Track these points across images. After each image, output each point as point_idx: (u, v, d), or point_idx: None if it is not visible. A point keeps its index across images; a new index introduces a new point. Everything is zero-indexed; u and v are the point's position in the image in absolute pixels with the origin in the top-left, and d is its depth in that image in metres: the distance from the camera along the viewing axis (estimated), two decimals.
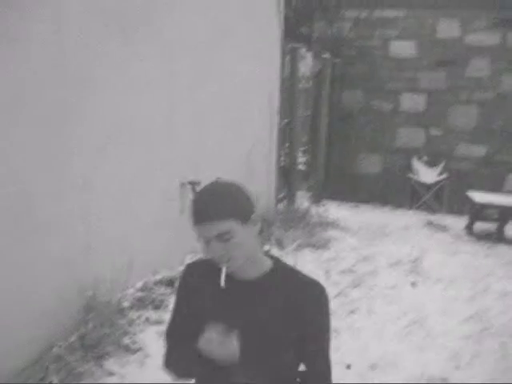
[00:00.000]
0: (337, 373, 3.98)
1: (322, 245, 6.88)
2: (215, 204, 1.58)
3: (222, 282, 1.62)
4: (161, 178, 4.97)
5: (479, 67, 9.37)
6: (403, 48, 9.76)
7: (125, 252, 4.34)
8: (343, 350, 4.39)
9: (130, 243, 4.48)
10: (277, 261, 1.80)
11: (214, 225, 1.57)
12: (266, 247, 5.77)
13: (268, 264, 1.76)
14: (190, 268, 1.86)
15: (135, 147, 4.56)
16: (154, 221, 4.92)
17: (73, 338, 3.76)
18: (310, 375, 1.81)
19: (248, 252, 1.65)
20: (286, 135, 8.19)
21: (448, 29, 9.46)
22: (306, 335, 1.71)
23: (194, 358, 1.64)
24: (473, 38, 9.35)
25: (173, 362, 1.84)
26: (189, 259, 4.46)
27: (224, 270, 1.62)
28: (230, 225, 1.58)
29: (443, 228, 8.43)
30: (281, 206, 8.00)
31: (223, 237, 1.58)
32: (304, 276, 1.78)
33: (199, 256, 1.90)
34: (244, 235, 1.62)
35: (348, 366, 4.16)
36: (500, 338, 4.74)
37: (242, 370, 1.62)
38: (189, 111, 5.32)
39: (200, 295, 1.76)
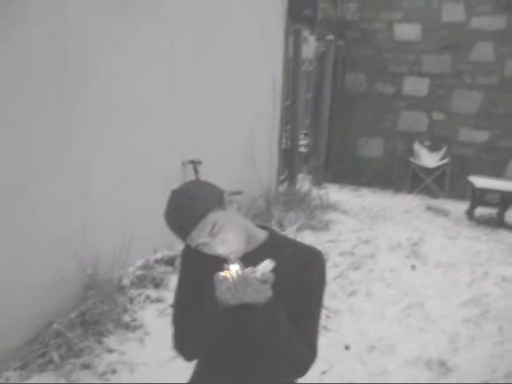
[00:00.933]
0: (336, 353, 4.02)
1: (323, 227, 6.89)
2: (188, 210, 1.60)
3: (237, 272, 1.57)
4: (161, 157, 4.95)
5: (483, 52, 9.31)
6: (408, 31, 9.70)
7: (125, 231, 4.34)
8: (342, 331, 4.41)
9: (130, 222, 4.48)
10: (271, 231, 1.81)
11: (200, 227, 1.59)
12: None
13: (263, 235, 1.77)
14: (189, 246, 1.85)
15: (135, 126, 4.54)
16: (155, 200, 4.88)
17: (73, 315, 3.77)
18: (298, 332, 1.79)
19: (240, 230, 1.66)
20: (288, 117, 8.16)
21: (453, 12, 9.38)
22: (299, 294, 1.70)
23: (212, 313, 1.63)
24: (478, 22, 9.27)
25: (187, 335, 1.77)
26: None
27: (232, 259, 1.59)
28: (212, 217, 1.59)
29: (444, 212, 8.44)
30: (282, 187, 8.00)
31: (214, 230, 1.59)
32: (300, 243, 1.79)
33: None
34: (228, 217, 1.63)
35: (346, 347, 4.18)
36: (498, 322, 4.76)
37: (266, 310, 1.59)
38: (190, 90, 5.28)
39: (203, 272, 1.76)
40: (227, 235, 1.62)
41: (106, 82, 4.13)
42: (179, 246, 4.56)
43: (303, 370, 1.73)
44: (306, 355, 1.72)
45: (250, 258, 1.70)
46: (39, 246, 3.62)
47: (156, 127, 4.83)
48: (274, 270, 1.56)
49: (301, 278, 1.70)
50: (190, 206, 1.60)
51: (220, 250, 1.62)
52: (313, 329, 1.77)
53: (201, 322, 1.70)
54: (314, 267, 1.74)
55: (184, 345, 1.79)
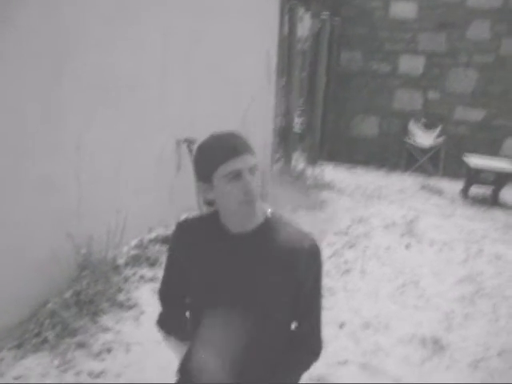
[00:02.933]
0: (330, 331, 4.04)
1: (318, 206, 6.89)
2: (243, 141, 1.64)
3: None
4: (155, 137, 4.93)
5: (480, 30, 9.26)
6: (404, 9, 9.62)
7: (119, 210, 4.32)
8: (337, 309, 4.42)
9: (124, 201, 4.46)
10: (271, 211, 1.78)
11: (248, 157, 1.61)
12: None
13: (263, 211, 1.75)
14: (182, 226, 1.83)
15: (129, 105, 4.50)
16: (149, 179, 4.89)
17: (68, 295, 3.77)
18: (302, 332, 1.81)
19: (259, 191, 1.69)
20: (283, 96, 8.12)
21: None
22: (301, 290, 1.72)
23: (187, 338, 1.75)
24: (474, 1, 9.21)
25: (167, 328, 1.93)
26: (184, 216, 4.45)
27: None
28: (255, 159, 1.64)
29: (439, 191, 8.45)
30: (277, 166, 7.98)
31: (253, 170, 1.62)
32: (297, 230, 1.77)
33: (193, 214, 1.88)
34: (258, 173, 1.66)
35: (341, 325, 4.20)
36: (493, 300, 4.79)
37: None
38: (184, 69, 5.24)
39: (195, 253, 1.75)
40: (258, 183, 1.64)
41: (100, 62, 4.09)
42: (174, 225, 4.56)
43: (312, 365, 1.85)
44: (312, 358, 1.83)
45: (248, 238, 1.69)
46: (33, 227, 3.61)
47: (150, 106, 4.80)
48: (270, 254, 1.66)
49: (300, 272, 1.70)
50: (243, 138, 1.66)
51: (250, 190, 1.60)
52: (317, 322, 1.82)
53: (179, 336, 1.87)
54: (313, 259, 1.73)
55: (164, 331, 1.94)
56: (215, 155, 1.60)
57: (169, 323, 1.93)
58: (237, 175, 1.58)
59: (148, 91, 4.75)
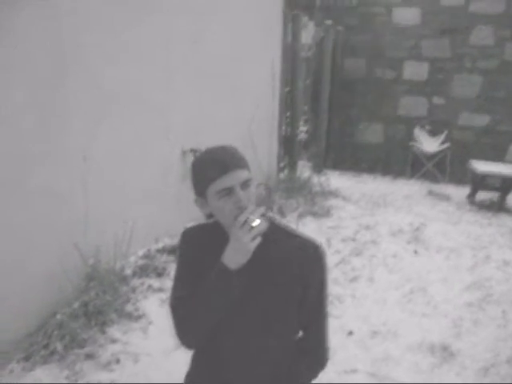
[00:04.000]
0: (338, 339, 4.02)
1: (324, 213, 6.88)
2: (236, 155, 1.66)
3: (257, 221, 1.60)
4: (161, 146, 4.94)
5: (483, 35, 9.24)
6: (407, 15, 9.62)
7: (125, 220, 4.33)
8: (345, 317, 4.41)
9: (130, 211, 4.47)
10: (272, 220, 1.77)
11: (239, 172, 1.62)
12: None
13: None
14: (187, 234, 1.85)
15: (134, 115, 4.52)
16: (155, 189, 4.90)
17: (76, 305, 3.77)
18: (308, 340, 1.81)
19: (254, 204, 1.68)
20: (288, 103, 8.13)
21: None
22: (307, 296, 1.72)
23: (218, 273, 1.64)
24: (477, 6, 9.20)
25: (189, 318, 1.73)
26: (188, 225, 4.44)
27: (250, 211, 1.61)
28: (249, 173, 1.64)
29: (445, 197, 8.42)
30: (282, 174, 7.98)
31: (246, 184, 1.63)
32: (301, 236, 1.77)
33: (197, 223, 1.88)
34: (253, 186, 1.67)
35: (349, 333, 4.19)
36: (501, 306, 4.76)
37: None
38: (188, 78, 5.26)
39: (202, 260, 1.75)
40: (250, 198, 1.64)
41: (105, 71, 4.11)
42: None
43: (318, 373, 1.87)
44: (319, 367, 1.86)
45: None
46: (40, 237, 3.62)
47: (155, 116, 4.81)
48: (274, 262, 1.65)
49: (305, 278, 1.70)
50: (236, 153, 1.68)
51: (242, 205, 1.60)
52: (324, 330, 1.83)
53: (206, 296, 1.67)
54: (318, 266, 1.75)
55: (186, 331, 1.76)
56: (206, 173, 1.63)
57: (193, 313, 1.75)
58: (228, 191, 1.60)
59: (153, 100, 4.76)
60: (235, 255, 1.60)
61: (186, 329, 1.76)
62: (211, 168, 1.61)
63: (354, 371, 3.73)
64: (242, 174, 1.62)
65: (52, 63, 3.60)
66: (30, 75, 3.43)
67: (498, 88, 9.28)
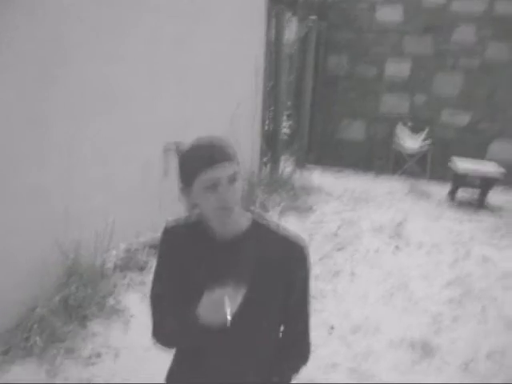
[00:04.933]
0: (320, 334, 4.03)
1: (306, 209, 6.90)
2: (225, 148, 1.64)
3: None
4: (143, 142, 4.91)
5: (465, 34, 9.30)
6: (390, 13, 9.65)
7: (107, 215, 4.30)
8: (327, 312, 4.43)
9: (112, 206, 4.44)
10: (257, 215, 1.79)
11: (227, 166, 1.60)
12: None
13: (249, 218, 1.75)
14: (169, 231, 1.83)
15: (116, 112, 4.49)
16: (137, 184, 4.87)
17: (56, 300, 3.74)
18: (290, 336, 1.81)
19: (239, 198, 1.66)
20: (271, 99, 8.12)
21: None
22: (290, 294, 1.72)
23: (190, 323, 1.62)
24: (459, 5, 9.26)
25: (165, 331, 1.78)
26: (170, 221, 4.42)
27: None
28: (236, 167, 1.63)
29: (426, 194, 8.48)
30: (265, 170, 7.97)
31: (233, 178, 1.61)
32: (285, 233, 1.77)
33: (178, 218, 1.87)
34: (240, 179, 1.65)
35: (331, 328, 4.20)
36: (481, 302, 4.81)
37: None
38: (171, 75, 5.22)
39: (183, 258, 1.74)
40: (237, 192, 1.63)
41: (88, 68, 4.08)
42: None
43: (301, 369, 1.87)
44: (301, 362, 1.85)
45: (235, 244, 1.69)
46: (21, 232, 3.58)
47: (138, 112, 4.78)
48: (259, 260, 1.66)
49: (289, 276, 1.71)
50: (224, 146, 1.65)
51: (227, 199, 1.60)
52: (307, 327, 1.83)
53: (178, 331, 1.71)
54: (302, 265, 1.75)
55: (162, 338, 1.80)
56: (194, 163, 1.61)
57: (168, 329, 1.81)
58: (214, 184, 1.59)
59: (136, 97, 4.73)
60: (206, 314, 1.59)
61: (160, 338, 1.80)
62: (200, 159, 1.60)
63: (335, 366, 3.74)
64: (230, 167, 1.61)
65: (38, 63, 3.57)
66: (15, 74, 3.40)
67: (479, 86, 9.35)
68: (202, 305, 1.59)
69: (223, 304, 1.54)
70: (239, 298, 1.56)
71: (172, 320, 1.73)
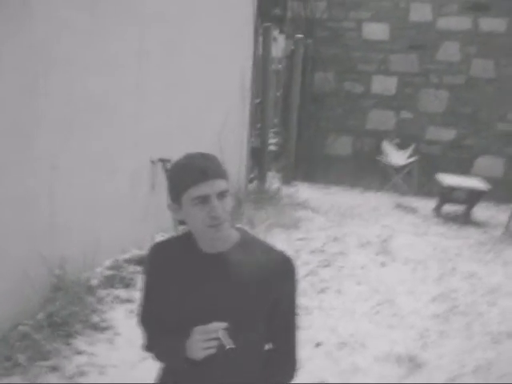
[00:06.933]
0: (306, 351, 4.01)
1: (293, 225, 6.90)
2: (216, 164, 1.64)
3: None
4: (130, 156, 4.90)
5: (450, 51, 9.42)
6: (376, 30, 9.75)
7: (92, 230, 4.29)
8: (313, 328, 4.41)
9: (97, 222, 4.42)
10: (243, 232, 1.79)
11: (217, 182, 1.60)
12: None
13: (236, 235, 1.75)
14: (156, 248, 1.82)
15: (103, 125, 4.49)
16: (123, 199, 4.86)
17: (40, 316, 3.70)
18: (277, 351, 1.80)
19: (229, 214, 1.66)
20: (258, 115, 8.15)
21: (420, 12, 9.47)
22: (276, 309, 1.72)
23: (178, 352, 1.64)
24: (444, 23, 9.38)
25: (155, 350, 1.81)
26: (159, 237, 4.41)
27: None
28: (227, 184, 1.64)
29: (412, 210, 8.52)
30: (252, 186, 7.99)
31: (222, 194, 1.61)
32: (272, 248, 1.77)
33: (168, 235, 1.87)
34: (229, 196, 1.66)
35: (317, 345, 4.19)
36: (467, 318, 4.82)
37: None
38: (158, 89, 5.24)
39: (171, 275, 1.74)
40: (226, 208, 1.63)
41: (74, 80, 4.07)
42: (149, 246, 4.52)
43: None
44: (287, 378, 1.84)
45: (223, 260, 1.69)
46: (4, 246, 3.55)
47: (125, 126, 4.78)
48: (245, 274, 1.67)
49: (276, 291, 1.71)
50: (215, 162, 1.65)
51: (217, 215, 1.59)
52: (293, 342, 1.82)
53: (165, 358, 1.76)
54: (289, 278, 1.75)
55: (153, 353, 1.81)
56: (185, 178, 1.61)
57: (158, 350, 1.83)
58: (204, 199, 1.59)
59: (123, 110, 4.73)
60: (190, 350, 1.60)
61: (151, 353, 1.83)
62: (190, 174, 1.60)
63: (322, 382, 3.72)
64: (221, 184, 1.60)
65: (22, 73, 3.56)
66: (0, 85, 3.39)
67: (464, 103, 9.46)
68: (192, 341, 1.60)
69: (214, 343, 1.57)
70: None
71: (160, 345, 1.75)
